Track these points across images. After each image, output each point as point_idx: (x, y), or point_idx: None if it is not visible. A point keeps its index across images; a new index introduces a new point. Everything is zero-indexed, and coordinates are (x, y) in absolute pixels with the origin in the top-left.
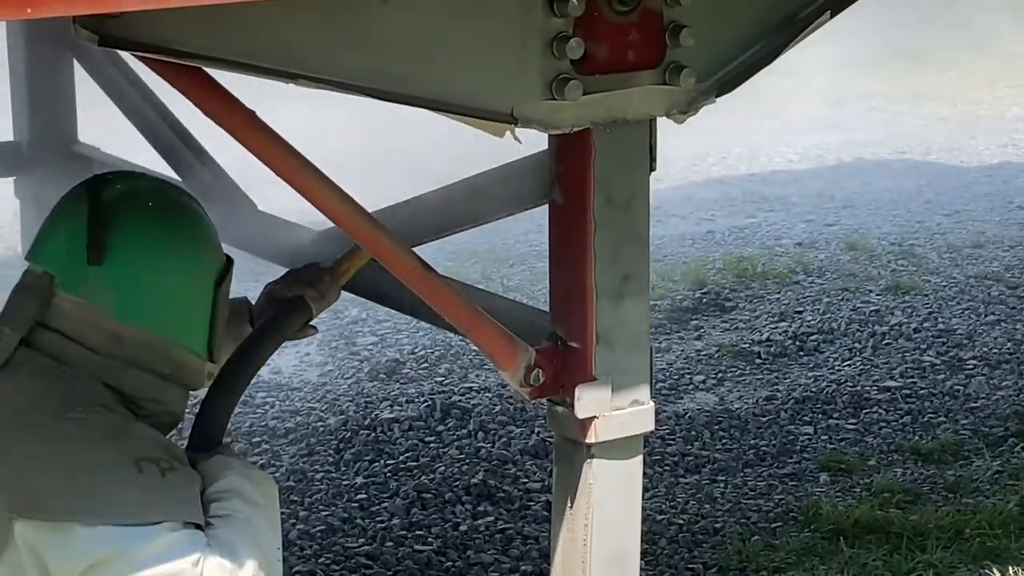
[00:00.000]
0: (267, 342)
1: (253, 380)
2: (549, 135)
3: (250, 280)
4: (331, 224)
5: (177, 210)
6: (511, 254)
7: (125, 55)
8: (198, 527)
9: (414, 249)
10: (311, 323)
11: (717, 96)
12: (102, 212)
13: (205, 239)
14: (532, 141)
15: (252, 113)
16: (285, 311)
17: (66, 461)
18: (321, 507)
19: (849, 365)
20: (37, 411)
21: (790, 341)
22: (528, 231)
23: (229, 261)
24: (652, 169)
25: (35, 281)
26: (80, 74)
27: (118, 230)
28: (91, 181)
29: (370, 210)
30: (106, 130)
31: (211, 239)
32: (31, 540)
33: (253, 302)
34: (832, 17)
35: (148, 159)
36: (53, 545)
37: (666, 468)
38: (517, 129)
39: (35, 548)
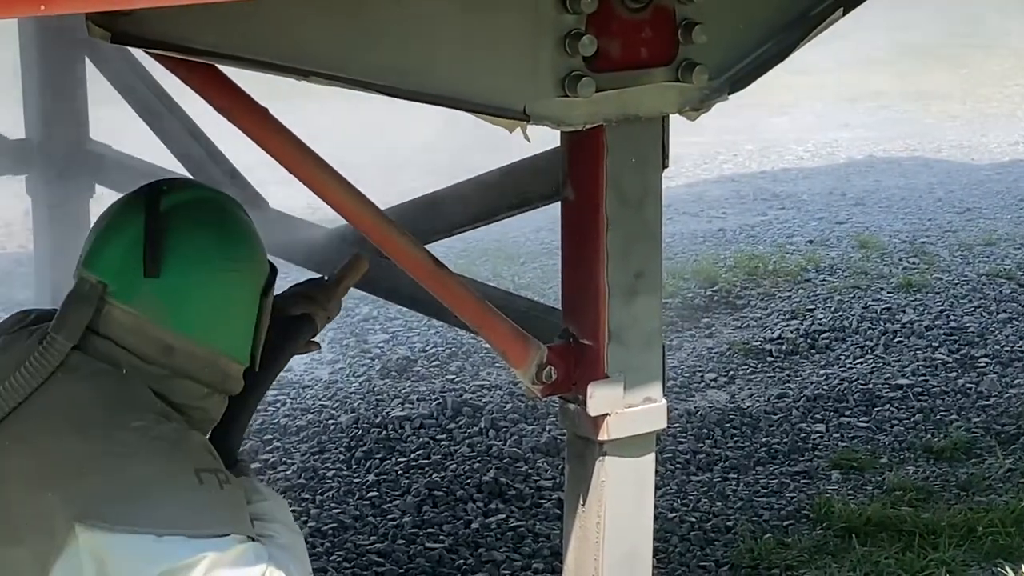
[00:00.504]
0: (278, 363)
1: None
2: (561, 132)
3: None
4: (343, 222)
5: (229, 222)
6: (521, 252)
7: (137, 52)
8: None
9: (426, 247)
10: (314, 339)
11: (730, 93)
12: (159, 225)
13: (254, 251)
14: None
15: (265, 110)
16: (294, 329)
17: (131, 472)
18: (332, 504)
19: (861, 363)
20: (95, 417)
21: (801, 339)
22: (539, 228)
23: (273, 270)
24: (664, 166)
25: (89, 290)
26: (92, 72)
27: (174, 243)
28: (146, 191)
29: (382, 207)
30: (118, 128)
31: (259, 250)
32: (96, 548)
33: None
34: (845, 14)
35: (159, 157)
36: (121, 555)
37: (677, 466)
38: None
39: (100, 556)
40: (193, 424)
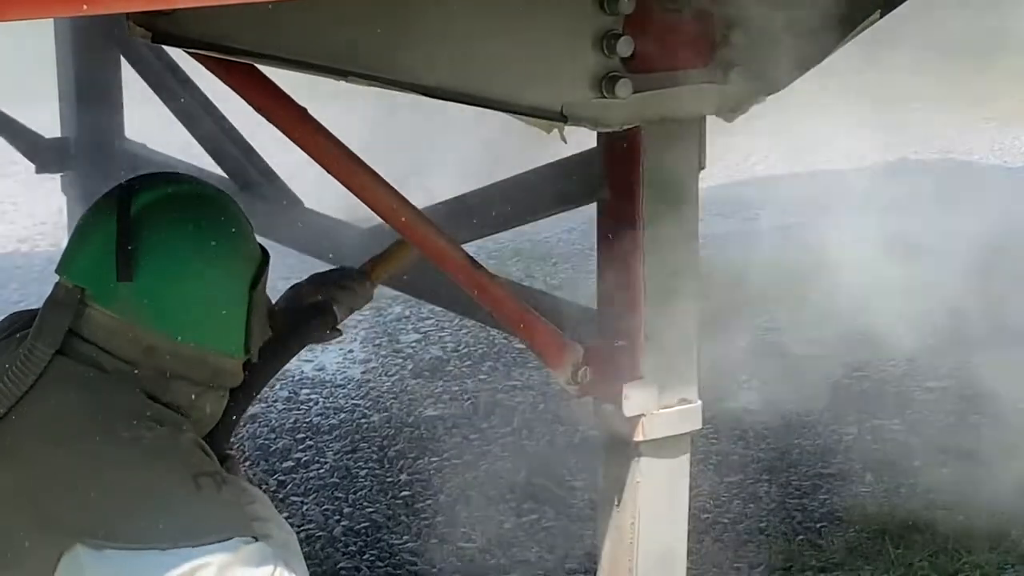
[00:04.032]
0: (281, 353)
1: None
2: (598, 133)
3: (297, 279)
4: (378, 221)
5: (208, 215)
6: (553, 252)
7: (174, 51)
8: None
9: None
10: (337, 327)
11: (767, 95)
12: (131, 226)
13: (238, 241)
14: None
15: (303, 110)
16: (305, 318)
17: (127, 486)
18: (366, 503)
19: (893, 365)
20: (85, 429)
21: (834, 340)
22: (570, 229)
23: (265, 257)
24: (701, 167)
25: (66, 295)
26: (127, 71)
27: (147, 244)
28: (118, 190)
29: (419, 207)
30: (153, 127)
31: (245, 239)
32: (99, 568)
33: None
34: (882, 16)
35: (194, 156)
36: (126, 573)
37: (710, 467)
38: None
39: (103, 575)
40: (192, 423)
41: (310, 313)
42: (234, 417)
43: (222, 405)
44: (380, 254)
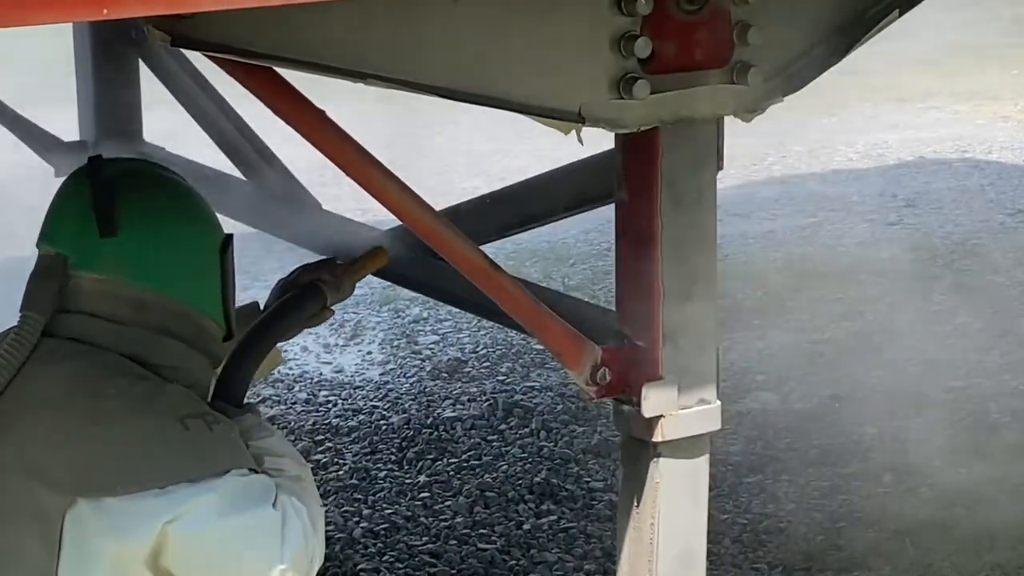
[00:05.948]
0: (287, 316)
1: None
2: (616, 134)
3: None
4: (396, 223)
5: (175, 184)
6: (571, 253)
7: (192, 54)
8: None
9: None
10: (329, 307)
11: (784, 95)
12: (106, 187)
13: (203, 209)
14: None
15: (322, 112)
16: (303, 293)
17: (119, 436)
18: (385, 505)
19: (913, 365)
20: (75, 394)
21: (852, 340)
22: (588, 230)
23: (229, 235)
24: (719, 168)
25: (50, 263)
26: (145, 73)
27: (125, 202)
28: (87, 163)
29: (437, 208)
30: (171, 129)
31: (208, 210)
32: (101, 519)
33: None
34: (900, 15)
35: (212, 158)
36: (127, 518)
37: (729, 467)
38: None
39: (106, 525)
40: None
41: (306, 291)
42: (248, 371)
43: (209, 375)
44: (364, 253)
